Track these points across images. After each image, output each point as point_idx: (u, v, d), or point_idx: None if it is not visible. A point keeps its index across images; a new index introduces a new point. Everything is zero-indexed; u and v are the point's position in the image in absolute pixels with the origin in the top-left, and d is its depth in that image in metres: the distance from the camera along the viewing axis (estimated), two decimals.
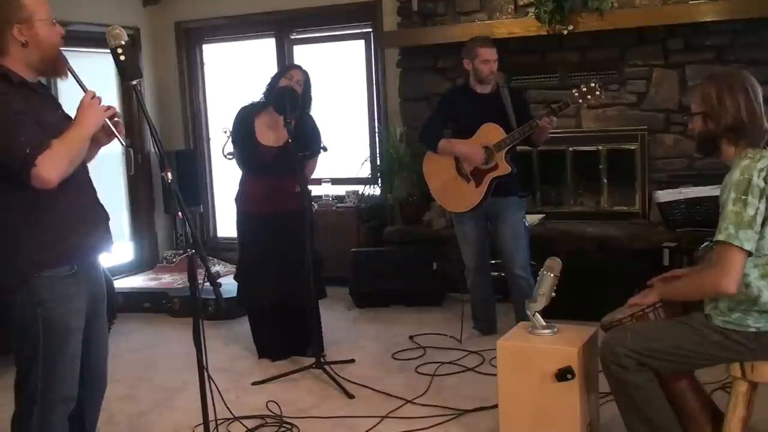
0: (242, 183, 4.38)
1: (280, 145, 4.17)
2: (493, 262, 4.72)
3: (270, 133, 4.25)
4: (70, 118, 2.47)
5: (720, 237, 2.42)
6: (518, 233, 4.40)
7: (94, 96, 2.42)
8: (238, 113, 4.36)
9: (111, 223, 2.67)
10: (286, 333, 4.38)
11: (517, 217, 4.43)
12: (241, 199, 4.37)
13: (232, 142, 4.36)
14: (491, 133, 4.30)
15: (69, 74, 2.49)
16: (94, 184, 2.62)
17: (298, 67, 4.34)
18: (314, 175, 4.50)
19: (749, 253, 2.41)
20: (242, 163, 4.35)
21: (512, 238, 4.39)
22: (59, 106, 2.58)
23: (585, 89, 4.19)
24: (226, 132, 4.48)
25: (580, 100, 4.25)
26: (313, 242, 4.21)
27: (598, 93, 4.19)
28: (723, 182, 2.52)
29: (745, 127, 2.51)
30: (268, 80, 4.30)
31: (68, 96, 2.63)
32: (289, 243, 4.16)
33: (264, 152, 4.23)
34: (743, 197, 2.41)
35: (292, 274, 4.15)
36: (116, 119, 2.50)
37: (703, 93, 2.59)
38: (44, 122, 2.36)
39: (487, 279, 4.65)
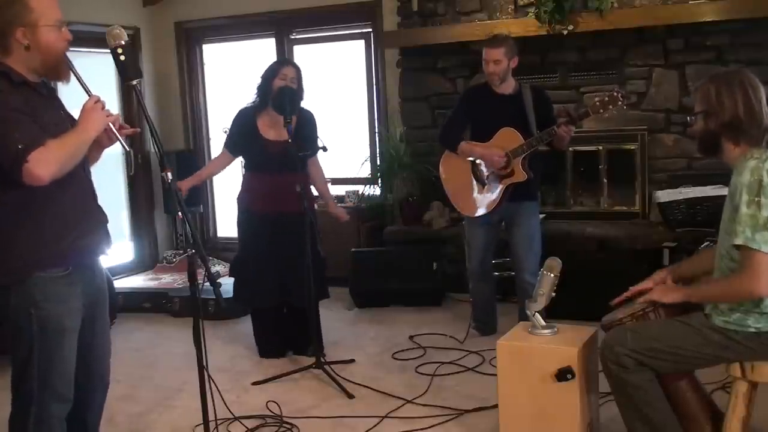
0: (245, 182, 4.38)
1: (285, 139, 4.13)
2: (496, 261, 4.71)
3: (272, 132, 4.24)
4: (74, 119, 2.45)
5: (738, 241, 2.40)
6: (532, 239, 4.34)
7: (97, 101, 2.41)
8: (238, 114, 4.35)
9: (111, 224, 2.65)
10: (287, 332, 4.38)
11: (531, 222, 4.37)
12: (244, 199, 4.37)
13: (233, 143, 4.34)
14: (509, 138, 4.22)
15: (71, 78, 2.47)
16: (95, 185, 2.61)
17: (291, 64, 4.32)
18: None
19: None
20: (248, 161, 4.35)
21: (525, 243, 4.34)
22: (63, 107, 2.56)
23: (607, 98, 4.03)
24: (225, 132, 4.46)
25: (601, 110, 4.05)
26: (317, 242, 4.22)
27: (620, 103, 4.04)
28: (731, 184, 2.51)
29: (743, 125, 2.51)
30: (260, 80, 4.26)
31: (69, 96, 2.61)
32: (292, 243, 4.13)
33: (269, 146, 4.21)
34: (756, 199, 2.39)
35: (293, 274, 4.15)
36: (119, 124, 2.48)
37: (703, 92, 2.60)
38: (44, 122, 2.35)
39: (488, 284, 4.62)
